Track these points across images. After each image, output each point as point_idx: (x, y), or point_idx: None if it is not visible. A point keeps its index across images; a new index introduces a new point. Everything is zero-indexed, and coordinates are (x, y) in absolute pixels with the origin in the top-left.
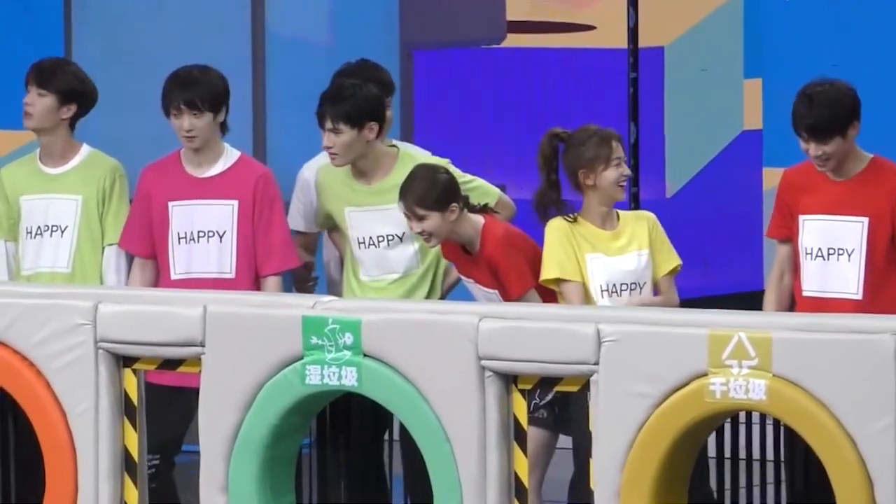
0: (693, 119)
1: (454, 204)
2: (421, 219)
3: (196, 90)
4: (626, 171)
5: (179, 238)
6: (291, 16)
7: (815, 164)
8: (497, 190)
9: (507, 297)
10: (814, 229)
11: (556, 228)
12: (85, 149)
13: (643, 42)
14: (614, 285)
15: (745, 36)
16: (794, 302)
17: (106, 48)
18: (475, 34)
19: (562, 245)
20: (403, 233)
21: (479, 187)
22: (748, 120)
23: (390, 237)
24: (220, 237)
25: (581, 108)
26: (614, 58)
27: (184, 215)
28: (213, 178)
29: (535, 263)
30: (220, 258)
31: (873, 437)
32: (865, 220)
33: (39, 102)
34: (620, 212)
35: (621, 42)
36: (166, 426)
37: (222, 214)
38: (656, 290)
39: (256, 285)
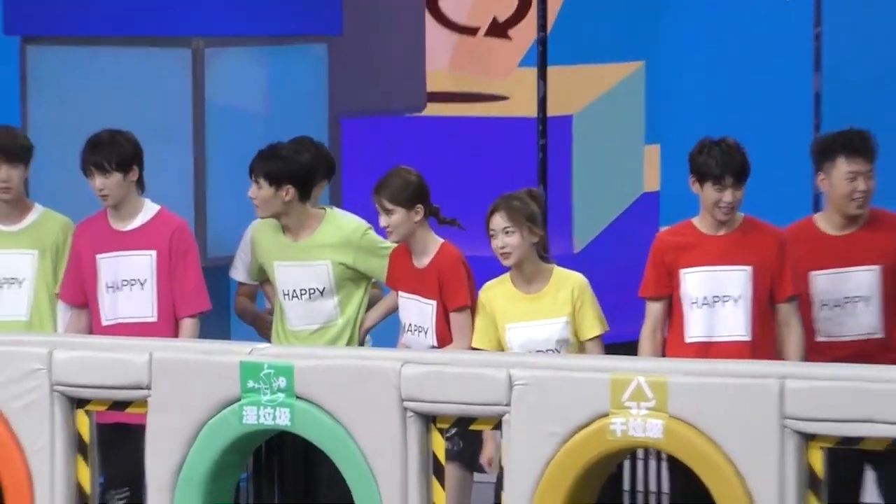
0: (598, 181)
1: (419, 206)
2: (389, 212)
3: (104, 153)
4: (498, 244)
5: (107, 287)
6: (229, 85)
7: (718, 214)
8: None
9: (445, 308)
10: (698, 280)
11: (481, 291)
12: (38, 207)
13: (553, 111)
14: (530, 353)
15: (647, 105)
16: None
17: (58, 116)
18: (398, 104)
19: (480, 312)
20: (324, 287)
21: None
22: (648, 182)
23: (312, 290)
24: (142, 285)
25: (495, 171)
26: (525, 125)
27: (109, 266)
28: (133, 230)
29: (473, 291)
30: (143, 304)
31: (759, 472)
32: (750, 268)
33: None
34: (556, 270)
35: (531, 111)
36: (132, 462)
37: (142, 264)
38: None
39: (176, 327)
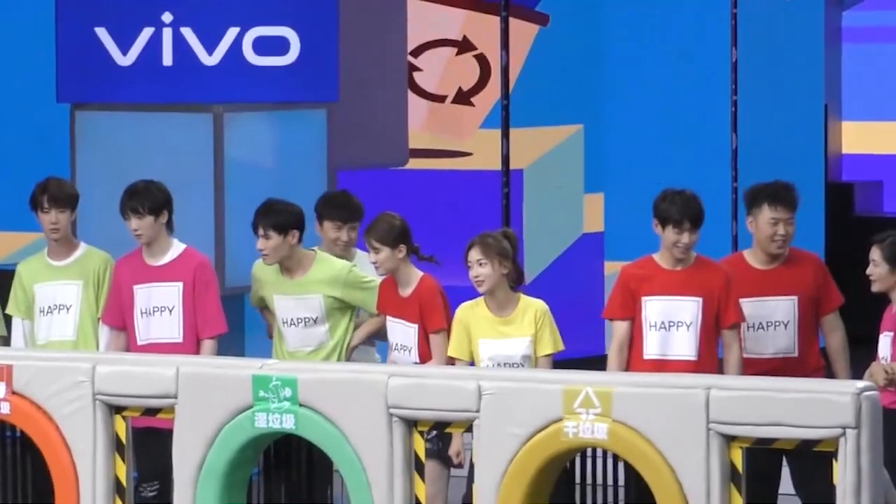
0: (545, 224)
1: (402, 245)
2: (377, 251)
3: (138, 199)
4: (473, 274)
5: (141, 312)
6: (244, 144)
7: (676, 252)
8: None
9: (425, 330)
10: (656, 307)
11: (458, 310)
12: (83, 245)
13: (477, 165)
14: (497, 364)
15: (585, 160)
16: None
17: (102, 169)
18: (385, 158)
19: (456, 327)
20: (317, 316)
21: (376, 286)
22: (588, 225)
23: (307, 319)
24: (171, 311)
25: (463, 215)
26: (487, 177)
27: (143, 295)
28: (163, 265)
29: (449, 316)
30: (171, 327)
31: (688, 468)
32: (700, 299)
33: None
34: (522, 297)
35: (493, 165)
36: (162, 459)
37: (171, 293)
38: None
39: (198, 347)
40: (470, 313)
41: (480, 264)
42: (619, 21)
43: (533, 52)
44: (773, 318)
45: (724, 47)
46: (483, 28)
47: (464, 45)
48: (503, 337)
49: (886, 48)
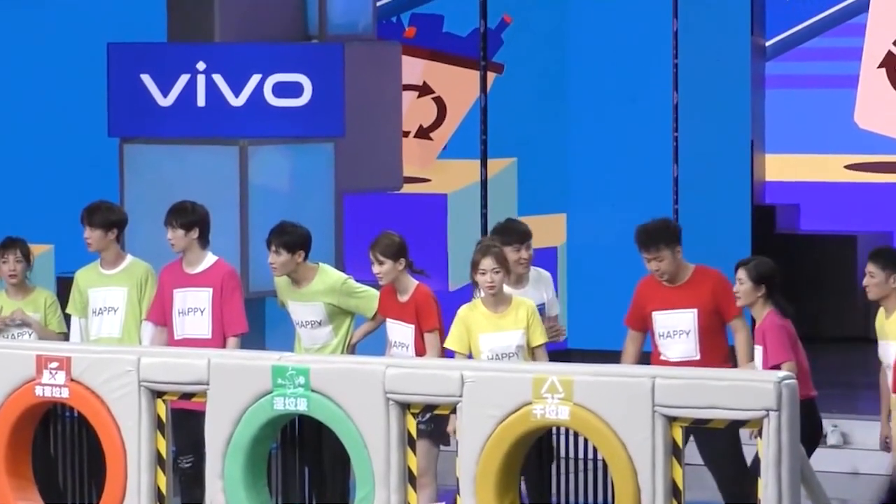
0: (470, 242)
1: (402, 259)
2: (381, 263)
3: (173, 215)
4: (488, 280)
5: (178, 312)
6: (265, 172)
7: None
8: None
9: (420, 330)
10: (661, 319)
11: (459, 311)
12: (129, 257)
13: (435, 189)
14: (496, 354)
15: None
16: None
17: (146, 191)
18: (383, 183)
19: (457, 325)
20: (321, 320)
21: (369, 293)
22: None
23: (314, 322)
24: (202, 312)
25: (426, 231)
26: (442, 199)
27: (180, 298)
28: (197, 273)
29: (441, 317)
30: (202, 326)
31: (637, 444)
32: (695, 310)
33: (90, 235)
34: (514, 297)
35: (447, 189)
36: (196, 436)
37: (203, 297)
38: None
39: (224, 343)
40: (470, 313)
41: (495, 272)
42: (579, 67)
43: (489, 96)
44: (677, 327)
45: (668, 91)
46: (439, 75)
47: (423, 89)
48: (500, 330)
49: (802, 93)
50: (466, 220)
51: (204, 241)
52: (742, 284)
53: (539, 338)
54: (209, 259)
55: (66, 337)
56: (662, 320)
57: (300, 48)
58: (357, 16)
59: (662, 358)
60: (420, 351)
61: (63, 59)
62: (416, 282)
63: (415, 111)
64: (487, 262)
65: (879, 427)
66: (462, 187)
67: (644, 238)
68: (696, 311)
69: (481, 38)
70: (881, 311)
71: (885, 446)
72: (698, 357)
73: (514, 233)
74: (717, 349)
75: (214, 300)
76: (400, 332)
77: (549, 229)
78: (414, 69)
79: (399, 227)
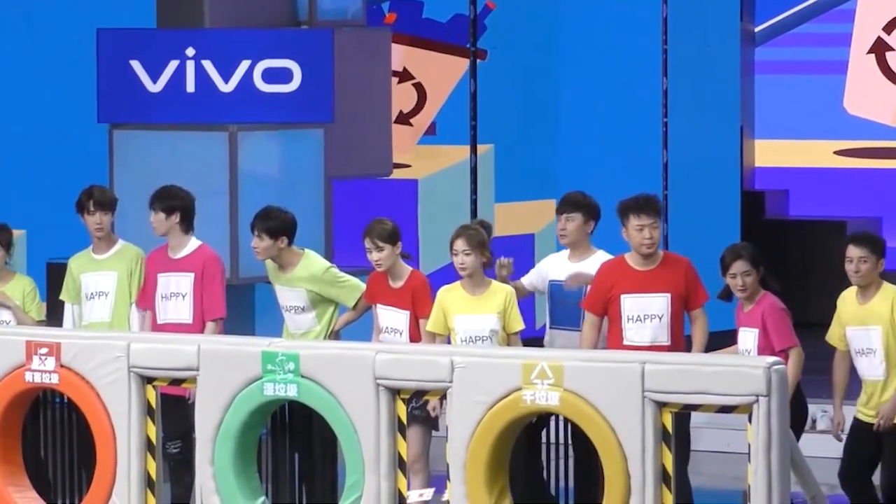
0: (444, 229)
1: (399, 243)
2: (380, 249)
3: (155, 199)
4: (459, 261)
5: (161, 297)
6: (254, 158)
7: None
8: (363, 285)
9: (416, 316)
10: (630, 302)
11: (438, 292)
12: (120, 241)
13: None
14: (469, 336)
15: (496, 173)
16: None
17: (136, 179)
18: (372, 170)
19: (436, 307)
20: (304, 305)
21: (350, 283)
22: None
23: (297, 307)
24: (184, 297)
25: (397, 217)
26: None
27: (164, 282)
28: (180, 258)
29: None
30: (183, 310)
31: (627, 429)
32: (669, 294)
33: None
34: (493, 282)
35: (427, 172)
36: (185, 422)
37: (185, 282)
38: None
39: (204, 328)
40: (447, 295)
41: (466, 253)
42: (570, 54)
43: (463, 82)
44: (649, 311)
45: (657, 77)
46: (420, 61)
47: (404, 75)
48: (475, 312)
49: (792, 78)
50: (438, 204)
51: (186, 226)
52: (748, 276)
53: (516, 324)
54: (192, 244)
55: (43, 324)
56: (632, 304)
57: (290, 34)
58: (347, 2)
59: (627, 343)
60: (415, 337)
61: (52, 44)
62: (410, 268)
63: (395, 97)
64: (459, 244)
65: (832, 412)
66: (433, 172)
67: (644, 203)
68: (669, 295)
69: (470, 24)
70: (850, 296)
71: (838, 437)
72: (669, 342)
73: (575, 204)
74: (680, 335)
75: (196, 285)
76: (393, 318)
77: (533, 216)
78: (394, 55)
79: (372, 213)
